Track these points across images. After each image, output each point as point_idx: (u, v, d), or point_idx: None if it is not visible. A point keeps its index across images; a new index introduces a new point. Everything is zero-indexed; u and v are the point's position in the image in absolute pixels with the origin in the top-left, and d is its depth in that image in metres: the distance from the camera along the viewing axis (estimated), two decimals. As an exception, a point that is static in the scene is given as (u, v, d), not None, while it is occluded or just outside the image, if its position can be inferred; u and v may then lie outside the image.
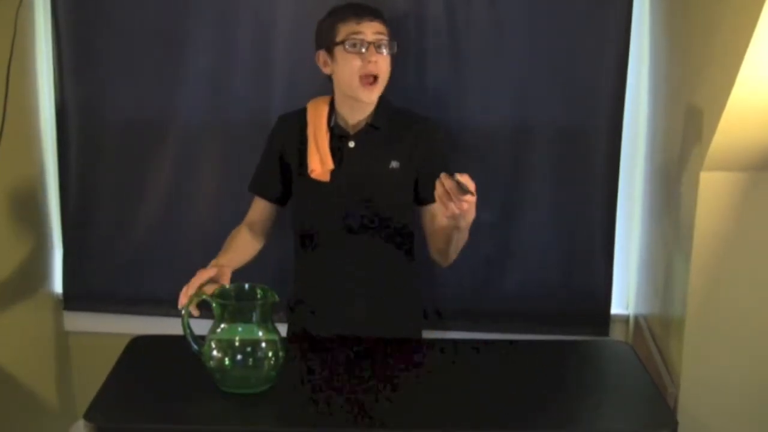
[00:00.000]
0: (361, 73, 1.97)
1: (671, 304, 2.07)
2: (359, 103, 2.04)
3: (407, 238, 2.13)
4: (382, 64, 1.98)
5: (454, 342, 2.07)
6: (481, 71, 2.38)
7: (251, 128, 2.42)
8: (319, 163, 2.03)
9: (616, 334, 2.53)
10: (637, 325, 2.43)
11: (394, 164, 2.05)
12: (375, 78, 1.98)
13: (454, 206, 1.71)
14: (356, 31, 1.97)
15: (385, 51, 2.00)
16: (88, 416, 1.66)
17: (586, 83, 2.37)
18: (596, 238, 2.46)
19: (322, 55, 2.06)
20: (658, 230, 2.26)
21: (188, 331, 1.76)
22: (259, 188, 2.16)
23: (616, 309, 2.53)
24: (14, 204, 2.42)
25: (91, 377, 1.90)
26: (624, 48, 2.35)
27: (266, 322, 1.74)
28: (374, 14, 2.01)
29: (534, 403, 1.74)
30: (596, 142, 2.40)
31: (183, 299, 1.76)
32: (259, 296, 1.77)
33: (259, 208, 2.14)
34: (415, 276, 2.19)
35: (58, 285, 2.64)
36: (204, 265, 1.86)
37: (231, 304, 1.75)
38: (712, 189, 1.86)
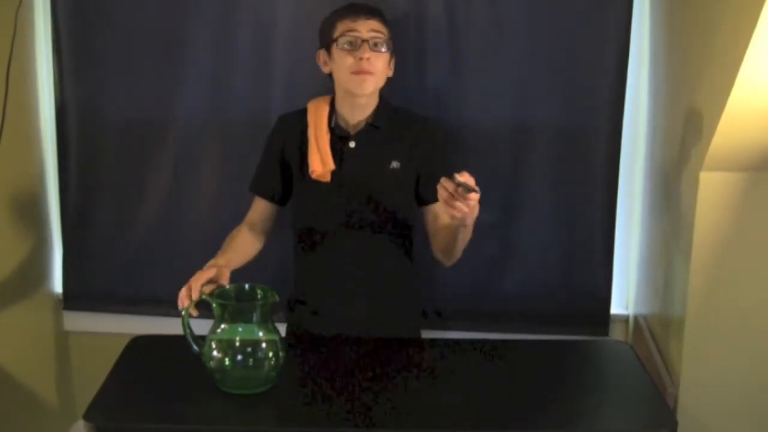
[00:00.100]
0: (353, 70, 1.97)
1: (671, 304, 2.07)
2: (359, 103, 2.04)
3: (407, 238, 2.13)
4: (376, 61, 1.98)
5: (454, 342, 2.07)
6: (481, 71, 2.38)
7: (251, 128, 2.42)
8: (320, 164, 2.03)
9: (616, 334, 2.53)
10: (637, 325, 2.43)
11: (395, 164, 2.05)
12: (369, 73, 1.98)
13: (461, 206, 1.70)
14: (351, 28, 1.98)
15: (383, 49, 2.00)
16: (87, 416, 1.66)
17: (586, 83, 2.37)
18: (596, 238, 2.46)
19: (321, 54, 2.06)
20: (658, 230, 2.26)
21: (188, 331, 1.76)
22: (259, 188, 2.16)
23: (616, 309, 2.53)
24: (14, 203, 2.42)
25: (91, 377, 1.90)
26: (624, 48, 2.34)
27: (266, 322, 1.74)
28: (371, 12, 2.01)
29: (534, 403, 1.75)
30: (596, 142, 2.40)
31: (184, 300, 1.76)
32: (259, 296, 1.77)
33: (260, 208, 2.14)
34: (415, 276, 2.19)
35: (58, 285, 2.64)
36: (204, 264, 1.86)
37: (231, 304, 1.75)
38: (712, 189, 1.86)
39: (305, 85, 2.32)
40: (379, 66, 2.00)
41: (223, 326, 1.73)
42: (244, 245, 2.05)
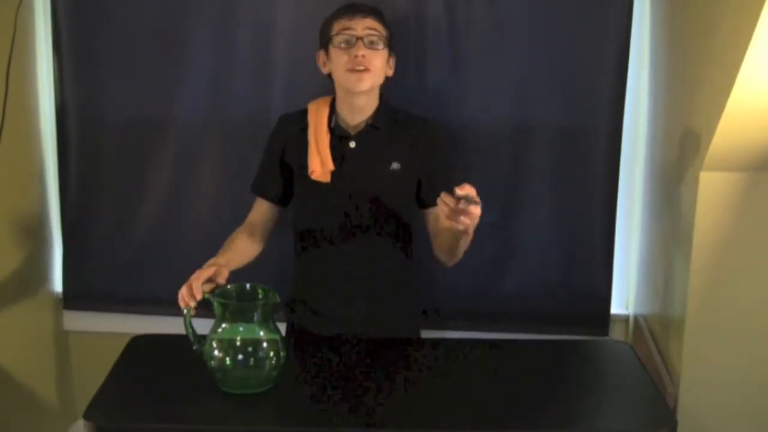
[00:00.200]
0: (348, 68, 1.97)
1: (671, 304, 2.07)
2: (358, 104, 2.04)
3: (407, 238, 2.13)
4: (372, 58, 1.98)
5: (454, 342, 2.07)
6: (481, 71, 2.38)
7: (251, 128, 2.42)
8: (320, 164, 2.03)
9: (616, 334, 2.53)
10: (637, 325, 2.43)
11: (395, 165, 2.05)
12: (365, 69, 1.98)
13: (464, 219, 1.71)
14: (347, 26, 1.98)
15: (379, 46, 2.00)
16: (87, 416, 1.66)
17: (586, 83, 2.37)
18: (596, 238, 2.46)
19: (321, 55, 2.06)
20: (658, 230, 2.26)
21: (190, 330, 1.76)
22: (260, 189, 2.15)
23: (616, 309, 2.53)
24: (14, 204, 2.42)
25: (91, 377, 1.90)
26: (624, 48, 2.34)
27: (267, 322, 1.74)
28: (367, 11, 2.01)
29: (534, 403, 1.75)
30: (596, 142, 2.40)
31: (186, 299, 1.76)
32: (260, 296, 1.77)
33: (261, 209, 2.14)
34: (414, 276, 2.19)
35: (57, 284, 2.64)
36: (204, 264, 1.86)
37: (232, 303, 1.75)
38: (712, 189, 1.86)
39: (305, 85, 2.32)
40: (376, 63, 1.99)
41: (224, 326, 1.73)
42: (244, 246, 2.05)
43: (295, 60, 2.39)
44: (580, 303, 2.49)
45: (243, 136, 2.45)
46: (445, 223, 1.75)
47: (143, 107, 2.48)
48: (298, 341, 2.08)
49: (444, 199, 1.71)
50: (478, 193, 1.72)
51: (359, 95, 2.02)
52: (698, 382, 1.96)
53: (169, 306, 2.49)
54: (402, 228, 2.11)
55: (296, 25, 2.37)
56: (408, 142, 2.07)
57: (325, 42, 2.04)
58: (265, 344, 1.73)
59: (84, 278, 2.60)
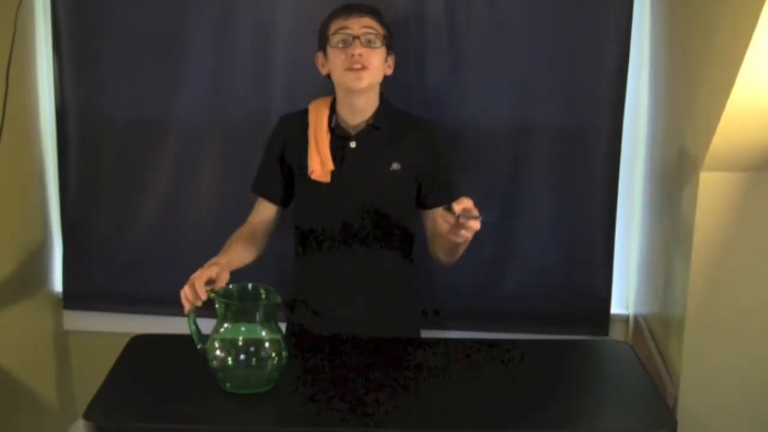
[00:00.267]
0: (345, 67, 1.97)
1: (671, 304, 2.07)
2: (358, 104, 2.04)
3: (407, 238, 2.13)
4: (369, 56, 1.98)
5: (454, 342, 2.07)
6: (481, 71, 2.38)
7: (251, 128, 2.42)
8: (320, 164, 2.03)
9: (616, 334, 2.53)
10: (637, 325, 2.43)
11: (395, 166, 2.05)
12: (363, 67, 1.98)
13: (464, 233, 1.73)
14: (343, 26, 1.98)
15: (376, 44, 1.99)
16: (87, 415, 1.66)
17: (586, 83, 2.37)
18: (596, 238, 2.46)
19: (319, 56, 2.07)
20: (658, 230, 2.26)
21: (194, 329, 1.75)
22: (261, 189, 2.15)
23: (616, 309, 2.53)
24: (14, 203, 2.42)
25: (91, 376, 1.90)
26: (624, 48, 2.34)
27: (269, 322, 1.74)
28: (364, 10, 2.01)
29: (534, 403, 1.75)
30: (596, 142, 2.40)
31: (192, 300, 1.75)
32: (262, 296, 1.77)
33: (262, 209, 2.14)
34: (414, 276, 2.19)
35: (57, 284, 2.64)
36: (204, 264, 1.85)
37: (234, 303, 1.75)
38: (712, 189, 1.86)
39: (305, 85, 2.32)
40: (374, 61, 1.99)
41: (226, 325, 1.73)
42: (245, 246, 2.05)
43: (295, 60, 2.39)
44: (580, 303, 2.49)
45: (243, 136, 2.45)
46: (443, 226, 1.76)
47: (143, 107, 2.48)
48: (298, 341, 2.08)
49: (443, 216, 1.73)
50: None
51: (359, 95, 2.02)
52: (698, 382, 1.95)
53: (169, 306, 2.49)
54: (402, 228, 2.11)
55: (296, 25, 2.37)
56: (409, 143, 2.07)
57: (323, 43, 2.04)
58: (267, 344, 1.73)
59: (84, 278, 2.60)
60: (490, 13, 2.34)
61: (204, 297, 1.74)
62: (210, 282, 1.79)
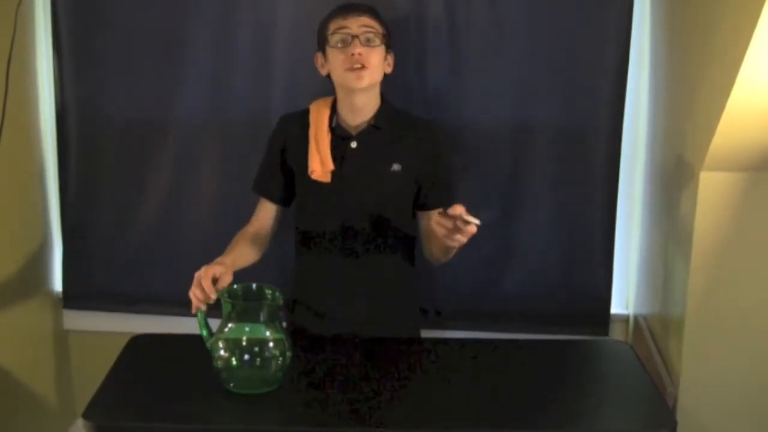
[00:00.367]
0: (346, 67, 1.97)
1: (671, 304, 2.07)
2: (358, 104, 2.04)
3: (407, 238, 2.13)
4: (368, 55, 1.98)
5: (455, 342, 2.07)
6: (481, 71, 2.38)
7: (251, 128, 2.42)
8: (320, 164, 2.03)
9: (616, 333, 2.53)
10: (637, 325, 2.43)
11: (396, 166, 2.05)
12: (363, 67, 1.98)
13: (460, 237, 1.73)
14: (342, 26, 1.98)
15: (375, 43, 1.99)
16: (87, 415, 1.66)
17: (586, 83, 2.37)
18: (596, 238, 2.46)
19: (319, 56, 2.06)
20: (658, 230, 2.26)
21: (205, 327, 1.75)
22: (262, 189, 2.15)
23: (616, 309, 2.53)
24: (14, 203, 2.42)
25: (91, 376, 1.90)
26: (624, 48, 2.34)
27: (274, 322, 1.74)
28: (362, 9, 2.00)
29: (534, 403, 1.75)
30: (596, 142, 2.40)
31: (203, 301, 1.75)
32: (267, 296, 1.77)
33: (264, 210, 2.14)
34: (414, 276, 2.19)
35: (57, 283, 2.64)
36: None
37: (239, 303, 1.75)
38: (712, 189, 1.86)
39: (305, 85, 2.32)
40: (373, 60, 1.99)
41: (230, 325, 1.73)
42: (249, 246, 2.05)
43: (295, 60, 2.39)
44: (580, 303, 2.49)
45: (243, 136, 2.45)
46: (438, 230, 1.76)
47: (143, 107, 2.48)
48: (298, 341, 2.08)
49: (439, 222, 1.73)
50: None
51: (359, 94, 2.02)
52: (698, 382, 1.95)
53: (169, 306, 2.51)
54: (402, 228, 2.10)
55: (296, 25, 2.37)
56: (409, 144, 2.07)
57: (322, 43, 2.04)
58: (271, 344, 1.73)
59: (84, 277, 2.60)
60: (490, 13, 2.34)
61: (214, 297, 1.75)
62: (213, 281, 1.79)
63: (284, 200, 2.14)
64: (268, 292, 1.77)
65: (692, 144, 1.91)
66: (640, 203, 2.45)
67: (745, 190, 1.85)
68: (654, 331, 2.25)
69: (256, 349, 1.72)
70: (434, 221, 1.76)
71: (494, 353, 1.99)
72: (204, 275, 1.77)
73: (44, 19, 2.49)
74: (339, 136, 2.05)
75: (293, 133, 2.10)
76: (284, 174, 2.12)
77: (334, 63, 2.00)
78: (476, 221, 1.71)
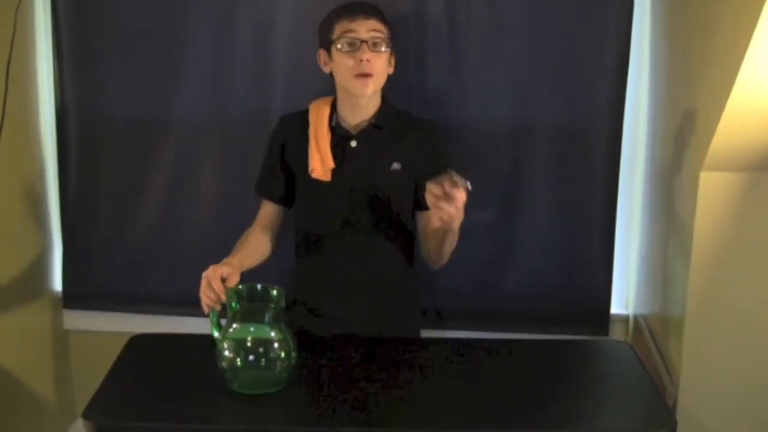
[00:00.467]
0: (354, 73, 1.97)
1: (671, 304, 2.07)
2: (360, 104, 2.04)
3: (407, 238, 2.13)
4: (375, 62, 1.98)
5: (455, 341, 2.07)
6: (481, 71, 2.38)
7: (251, 128, 2.42)
8: (320, 163, 2.03)
9: (616, 333, 2.53)
10: (637, 324, 2.43)
11: (396, 165, 2.05)
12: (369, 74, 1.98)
13: (448, 207, 1.71)
14: (349, 29, 1.97)
15: (382, 48, 1.99)
16: (87, 415, 1.66)
17: (586, 83, 2.37)
18: (596, 238, 2.46)
19: (322, 54, 2.06)
20: (658, 230, 2.26)
21: (216, 321, 1.75)
22: (263, 190, 2.16)
23: (616, 309, 2.53)
24: (14, 203, 2.43)
25: (91, 376, 1.89)
26: (624, 48, 2.35)
27: (279, 322, 1.74)
28: (369, 12, 1.99)
29: (534, 403, 1.75)
30: (596, 142, 2.40)
31: (216, 301, 1.75)
32: (272, 297, 1.76)
33: (267, 210, 2.14)
34: (414, 276, 2.19)
35: (57, 283, 2.64)
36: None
37: (244, 304, 1.75)
38: (712, 189, 1.86)
39: (305, 85, 2.32)
40: (379, 67, 1.99)
41: (235, 326, 1.72)
42: (256, 246, 2.05)
43: (295, 60, 2.39)
44: (580, 303, 2.49)
45: (243, 136, 2.45)
46: (434, 222, 1.76)
47: (143, 107, 2.48)
48: (297, 341, 2.08)
49: (431, 188, 1.71)
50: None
51: (362, 97, 2.02)
52: (698, 381, 1.95)
53: (169, 305, 2.51)
54: (402, 228, 2.11)
55: (296, 25, 2.37)
56: (409, 143, 2.07)
57: (326, 43, 2.03)
58: (276, 345, 1.72)
59: (84, 277, 2.60)
60: (490, 13, 2.34)
61: (224, 297, 1.75)
62: (221, 281, 1.79)
63: (286, 200, 2.14)
64: (273, 292, 1.77)
65: (692, 144, 1.91)
66: (640, 203, 2.45)
67: (745, 190, 1.85)
68: (654, 331, 2.25)
69: (261, 349, 1.72)
70: (427, 190, 1.73)
71: (494, 353, 1.99)
72: (213, 275, 1.77)
73: (44, 19, 2.49)
74: (339, 135, 2.05)
75: (293, 133, 2.10)
76: (285, 174, 2.12)
77: (340, 66, 1.99)
78: (465, 183, 1.70)
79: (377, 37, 1.98)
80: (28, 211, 2.51)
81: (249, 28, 2.40)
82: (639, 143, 2.44)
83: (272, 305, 1.73)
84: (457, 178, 1.70)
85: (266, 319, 1.72)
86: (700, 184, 1.85)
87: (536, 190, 2.44)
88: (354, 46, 1.96)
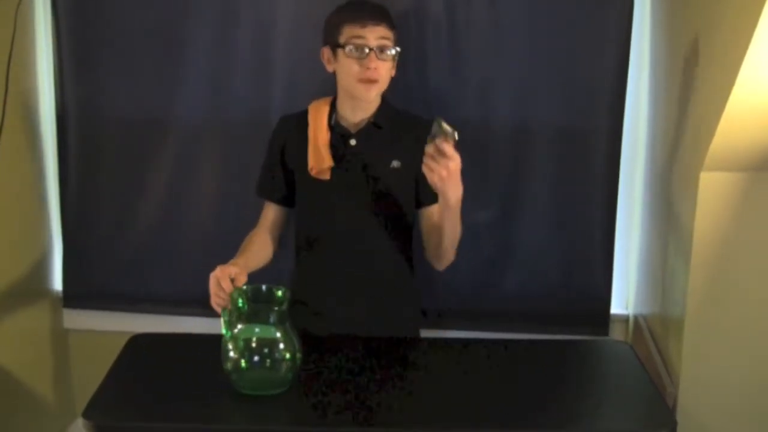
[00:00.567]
0: (359, 78, 1.97)
1: (671, 304, 2.07)
2: (360, 103, 2.04)
3: (407, 237, 2.13)
4: (381, 69, 1.98)
5: (455, 341, 2.07)
6: (481, 71, 2.38)
7: (251, 128, 2.42)
8: (319, 161, 2.03)
9: (616, 333, 2.53)
10: (637, 325, 2.43)
11: (395, 164, 2.05)
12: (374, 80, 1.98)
13: (439, 168, 1.76)
14: (358, 35, 1.96)
15: (389, 52, 1.99)
16: (86, 414, 1.65)
17: (586, 83, 2.37)
18: (596, 238, 2.46)
19: (326, 52, 2.05)
20: (658, 230, 2.25)
21: (227, 320, 1.74)
22: (265, 192, 2.16)
23: (615, 309, 2.53)
24: (14, 203, 2.43)
25: (91, 375, 1.89)
26: (624, 48, 2.35)
27: (284, 323, 1.73)
28: (379, 18, 1.98)
29: (534, 403, 1.74)
30: (596, 142, 2.40)
31: (226, 301, 1.75)
32: (277, 298, 1.76)
33: (269, 211, 2.14)
34: (414, 276, 2.19)
35: (57, 283, 2.64)
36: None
37: (249, 305, 1.75)
38: (712, 189, 1.85)
39: (305, 85, 2.32)
40: (384, 73, 2.00)
41: (240, 326, 1.72)
42: (260, 248, 2.05)
43: (295, 60, 2.39)
44: (580, 303, 2.49)
45: (243, 136, 2.45)
46: (430, 180, 1.78)
47: (143, 107, 2.48)
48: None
49: (426, 148, 1.76)
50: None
51: (364, 101, 2.02)
52: (698, 381, 1.95)
53: (169, 305, 2.51)
54: (402, 227, 2.11)
55: (296, 25, 2.37)
56: (409, 141, 2.07)
57: (332, 42, 2.02)
58: (281, 345, 1.72)
59: (84, 277, 2.60)
60: (490, 13, 2.34)
61: (227, 287, 1.74)
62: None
63: (288, 201, 2.14)
64: (278, 293, 1.77)
65: (692, 144, 1.91)
66: (640, 203, 2.45)
67: (745, 190, 1.85)
68: (654, 331, 2.25)
69: (266, 350, 1.72)
70: (425, 157, 1.77)
71: (494, 353, 1.99)
72: (222, 276, 1.77)
73: (44, 19, 2.49)
74: (338, 133, 2.06)
75: (293, 133, 2.10)
76: (285, 175, 2.12)
77: (345, 69, 1.98)
78: (453, 133, 1.75)
79: (385, 45, 1.98)
80: (28, 211, 2.51)
81: (249, 28, 2.40)
82: (639, 143, 2.44)
83: (277, 306, 1.73)
84: (445, 125, 1.72)
85: (271, 319, 1.72)
86: (700, 185, 1.85)
87: (536, 190, 2.44)
88: (362, 51, 1.96)
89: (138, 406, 1.72)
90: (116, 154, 2.52)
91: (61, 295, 2.64)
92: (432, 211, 2.04)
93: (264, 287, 1.78)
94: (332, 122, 2.07)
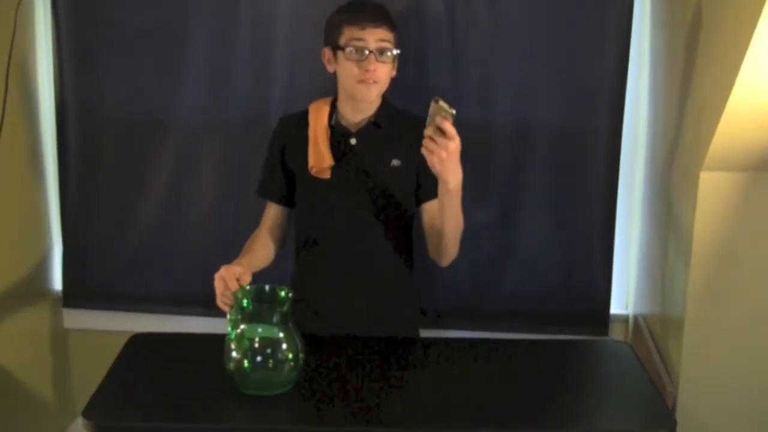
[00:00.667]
0: (358, 79, 1.97)
1: (670, 304, 2.07)
2: (361, 104, 2.04)
3: (407, 237, 2.13)
4: (380, 71, 1.98)
5: (454, 341, 2.07)
6: (481, 71, 2.38)
7: (251, 128, 2.42)
8: (319, 160, 2.03)
9: (616, 333, 2.53)
10: (637, 325, 2.43)
11: (396, 162, 2.05)
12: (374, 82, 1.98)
13: (438, 149, 1.76)
14: (358, 37, 1.96)
15: (389, 54, 1.99)
16: (86, 414, 1.66)
17: (586, 83, 2.38)
18: (596, 238, 2.46)
19: (327, 52, 2.05)
20: (658, 230, 2.26)
21: (233, 319, 1.74)
22: (265, 191, 2.16)
23: (615, 309, 2.53)
24: (14, 202, 2.42)
25: (91, 375, 1.90)
26: (624, 48, 2.35)
27: (286, 323, 1.73)
28: (379, 20, 1.98)
29: (534, 403, 1.74)
30: (596, 142, 2.40)
31: (228, 299, 1.75)
32: (280, 298, 1.76)
33: (271, 212, 2.14)
34: (414, 275, 2.19)
35: (57, 282, 2.64)
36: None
37: (252, 305, 1.74)
38: (712, 189, 1.86)
39: (305, 85, 2.32)
40: (384, 74, 1.99)
41: (242, 327, 1.72)
42: (263, 248, 2.05)
43: (295, 60, 2.40)
44: (580, 303, 2.49)
45: (243, 136, 2.45)
46: (429, 163, 1.79)
47: (143, 107, 2.48)
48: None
49: (426, 132, 1.77)
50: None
51: (365, 102, 2.02)
52: (697, 382, 1.95)
53: (169, 305, 2.51)
54: (402, 226, 2.11)
55: (296, 25, 2.37)
56: (409, 140, 2.07)
57: (332, 43, 2.01)
58: (284, 346, 1.72)
59: (84, 276, 2.60)
60: (490, 13, 2.34)
61: (233, 286, 1.74)
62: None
63: (289, 201, 2.14)
64: (281, 293, 1.77)
65: (692, 144, 1.91)
66: (640, 203, 2.45)
67: (745, 190, 1.85)
68: (653, 331, 2.25)
69: (269, 350, 1.71)
70: (425, 140, 1.78)
71: (494, 353, 1.99)
72: (227, 275, 1.77)
73: (44, 19, 2.49)
74: (339, 132, 2.06)
75: (293, 133, 2.10)
76: (286, 175, 2.12)
77: (345, 70, 1.98)
78: (451, 110, 1.74)
79: (384, 47, 1.98)
80: (28, 211, 2.51)
81: (249, 28, 2.40)
82: (639, 143, 2.44)
83: (280, 306, 1.73)
84: (443, 103, 1.72)
85: (274, 320, 1.72)
86: (700, 184, 1.85)
87: (536, 190, 2.44)
88: (361, 54, 1.96)
89: (138, 406, 1.72)
90: (116, 153, 2.52)
91: (61, 294, 2.64)
92: (434, 207, 2.03)
93: (267, 287, 1.78)
94: (332, 122, 2.07)
